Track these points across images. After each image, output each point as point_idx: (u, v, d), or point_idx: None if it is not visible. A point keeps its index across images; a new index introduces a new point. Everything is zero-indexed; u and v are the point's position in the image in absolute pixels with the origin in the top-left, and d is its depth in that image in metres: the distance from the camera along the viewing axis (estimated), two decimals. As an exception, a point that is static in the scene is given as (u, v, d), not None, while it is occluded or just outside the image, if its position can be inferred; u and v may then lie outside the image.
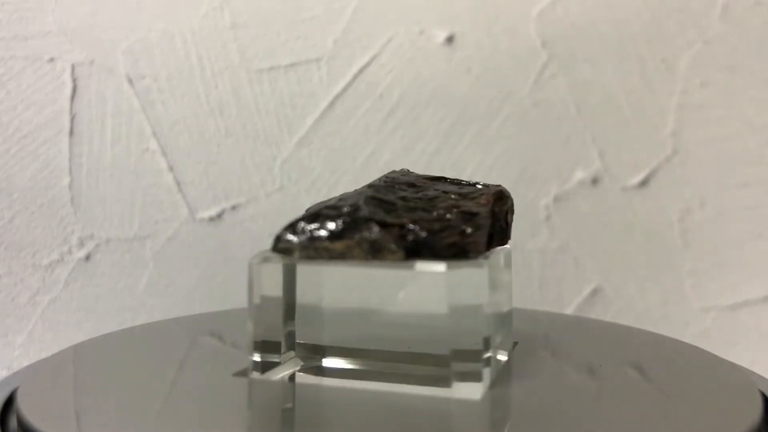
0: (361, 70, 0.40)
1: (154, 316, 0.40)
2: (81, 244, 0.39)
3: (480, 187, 0.24)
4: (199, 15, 0.39)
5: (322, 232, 0.20)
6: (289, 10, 0.40)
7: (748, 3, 0.39)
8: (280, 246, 0.21)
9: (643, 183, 0.40)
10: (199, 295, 0.40)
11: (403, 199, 0.22)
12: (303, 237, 0.20)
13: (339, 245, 0.20)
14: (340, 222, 0.20)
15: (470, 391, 0.20)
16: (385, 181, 0.23)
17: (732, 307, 0.40)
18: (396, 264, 0.20)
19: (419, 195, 0.22)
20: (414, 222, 0.20)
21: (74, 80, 0.39)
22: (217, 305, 0.40)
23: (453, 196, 0.22)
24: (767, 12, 0.39)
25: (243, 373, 0.22)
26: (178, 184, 0.40)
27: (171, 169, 0.40)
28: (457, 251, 0.20)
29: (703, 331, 0.41)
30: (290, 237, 0.21)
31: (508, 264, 0.24)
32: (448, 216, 0.21)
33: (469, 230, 0.21)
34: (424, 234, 0.20)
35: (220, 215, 0.40)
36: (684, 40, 0.40)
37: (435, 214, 0.21)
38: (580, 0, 0.40)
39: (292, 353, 0.23)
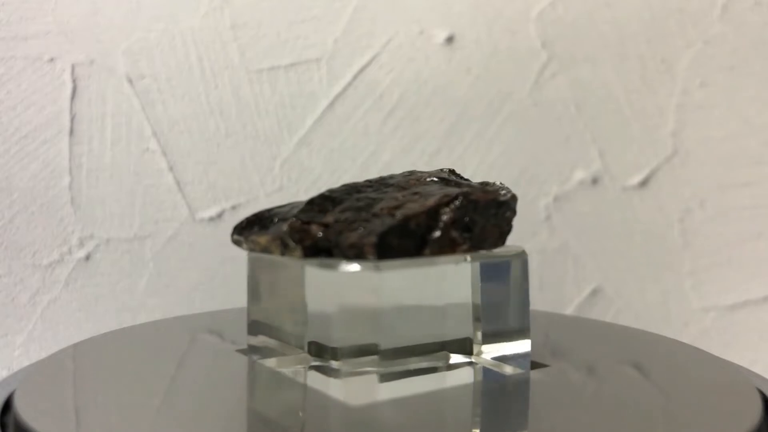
0: (361, 70, 0.40)
1: (154, 316, 0.40)
2: (81, 244, 0.39)
3: (466, 189, 0.23)
4: (199, 15, 0.39)
5: (256, 228, 0.23)
6: (289, 10, 0.40)
7: (748, 3, 0.39)
8: (233, 238, 0.23)
9: (643, 183, 0.40)
10: (199, 295, 0.40)
11: (359, 199, 0.22)
12: (245, 231, 0.23)
13: (263, 240, 0.22)
14: (272, 219, 0.22)
15: (363, 390, 0.20)
16: (368, 181, 0.24)
17: (732, 307, 0.40)
18: (299, 261, 0.21)
19: (381, 196, 0.22)
20: (337, 222, 0.21)
21: (74, 80, 0.39)
22: (217, 305, 0.40)
23: (414, 198, 0.22)
24: (767, 12, 0.39)
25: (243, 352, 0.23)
26: (178, 184, 0.40)
27: (171, 169, 0.40)
28: (357, 252, 0.20)
29: (703, 331, 0.41)
30: (238, 230, 0.23)
31: (488, 274, 0.23)
32: (374, 216, 0.21)
33: (364, 232, 0.21)
34: (323, 233, 0.21)
35: (220, 215, 0.40)
36: (684, 40, 0.40)
37: (371, 215, 0.21)
38: (580, 0, 0.40)
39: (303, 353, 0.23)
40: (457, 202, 0.22)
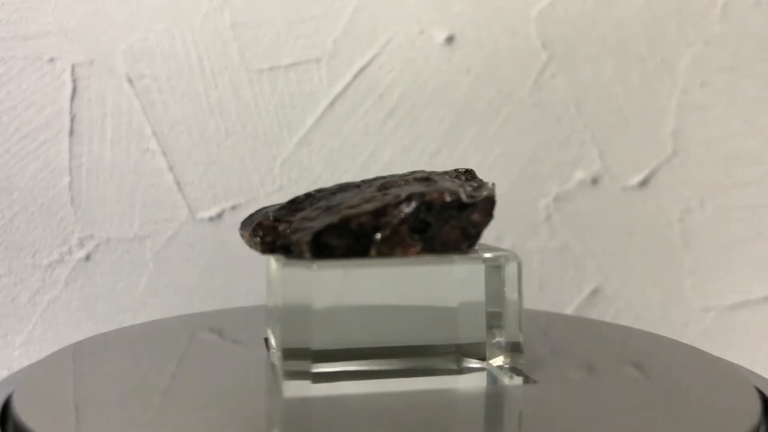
0: (361, 70, 0.40)
1: (154, 316, 0.40)
2: (81, 244, 0.39)
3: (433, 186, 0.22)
4: (199, 15, 0.39)
5: (244, 224, 0.24)
6: (289, 10, 0.40)
7: (748, 3, 0.39)
8: (239, 232, 0.24)
9: (643, 183, 0.40)
10: (199, 295, 0.40)
11: (336, 198, 0.23)
12: (244, 226, 0.24)
13: (246, 235, 0.23)
14: (255, 217, 0.23)
15: (298, 389, 0.20)
16: (363, 180, 0.24)
17: (732, 307, 0.40)
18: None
19: (356, 195, 0.23)
20: (302, 219, 0.22)
21: (74, 80, 0.39)
22: (217, 305, 0.40)
23: (382, 198, 0.22)
24: (767, 12, 0.39)
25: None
26: (178, 184, 0.40)
27: (171, 169, 0.40)
28: (299, 250, 0.21)
29: (702, 331, 0.41)
30: (241, 225, 0.24)
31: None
32: (331, 215, 0.22)
33: (307, 231, 0.21)
34: (283, 231, 0.22)
35: (220, 215, 0.40)
36: (684, 40, 0.40)
37: (330, 214, 0.22)
38: (580, 0, 0.40)
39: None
40: (407, 203, 0.21)
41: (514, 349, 0.22)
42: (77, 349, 0.26)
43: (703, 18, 0.40)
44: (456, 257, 0.22)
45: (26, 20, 0.39)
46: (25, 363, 0.38)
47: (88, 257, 0.40)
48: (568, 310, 0.41)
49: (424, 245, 0.21)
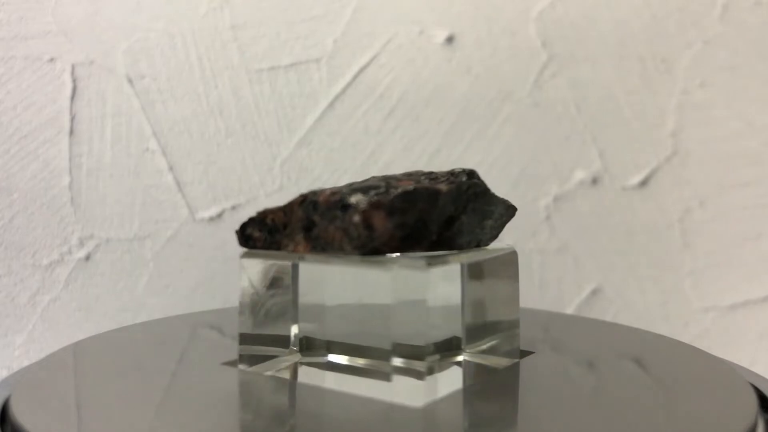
0: (361, 70, 0.40)
1: (154, 316, 0.40)
2: (81, 244, 0.39)
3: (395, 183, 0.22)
4: (199, 15, 0.39)
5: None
6: (289, 10, 0.40)
7: (748, 3, 0.39)
8: None
9: (643, 183, 0.40)
10: (199, 294, 0.40)
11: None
12: None
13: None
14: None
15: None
16: (362, 180, 0.25)
17: (732, 307, 0.40)
18: None
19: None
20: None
21: (74, 80, 0.39)
22: (217, 305, 0.40)
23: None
24: (767, 12, 0.39)
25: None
26: (178, 184, 0.40)
27: (171, 169, 0.40)
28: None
29: (702, 331, 0.41)
30: None
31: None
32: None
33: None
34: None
35: (220, 215, 0.40)
36: (684, 40, 0.40)
37: None
38: (580, 0, 0.40)
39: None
40: (301, 202, 0.22)
41: (413, 354, 0.21)
42: (77, 349, 0.26)
43: (703, 18, 0.40)
44: (361, 261, 0.21)
45: (26, 20, 0.39)
46: (25, 363, 0.38)
47: (88, 257, 0.40)
48: (568, 310, 0.41)
49: (312, 244, 0.22)
